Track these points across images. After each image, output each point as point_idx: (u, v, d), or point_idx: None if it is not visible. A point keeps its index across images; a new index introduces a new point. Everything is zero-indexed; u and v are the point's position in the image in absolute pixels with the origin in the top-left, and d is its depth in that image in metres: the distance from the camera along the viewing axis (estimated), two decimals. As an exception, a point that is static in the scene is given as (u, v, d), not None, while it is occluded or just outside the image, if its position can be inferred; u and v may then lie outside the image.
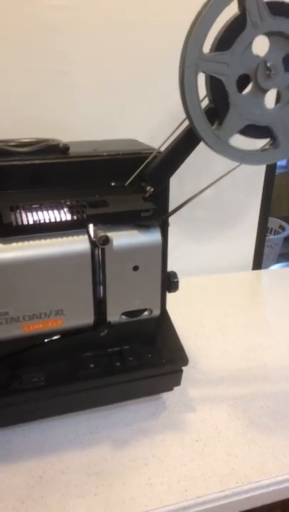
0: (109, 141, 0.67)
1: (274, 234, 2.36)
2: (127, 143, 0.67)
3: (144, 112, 0.87)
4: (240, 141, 0.52)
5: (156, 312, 0.60)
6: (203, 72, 0.48)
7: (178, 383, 0.64)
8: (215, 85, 0.49)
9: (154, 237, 0.55)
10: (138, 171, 0.59)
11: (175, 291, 0.68)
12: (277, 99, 0.53)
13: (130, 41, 0.82)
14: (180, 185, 0.92)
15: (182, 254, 1.05)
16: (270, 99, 0.52)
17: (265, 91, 0.50)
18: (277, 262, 2.25)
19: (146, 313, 0.59)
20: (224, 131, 0.50)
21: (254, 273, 1.13)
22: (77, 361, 0.59)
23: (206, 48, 0.47)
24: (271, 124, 0.51)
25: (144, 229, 0.55)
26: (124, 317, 0.58)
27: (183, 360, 0.62)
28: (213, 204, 1.04)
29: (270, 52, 0.49)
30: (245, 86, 0.51)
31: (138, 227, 0.55)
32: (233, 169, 0.56)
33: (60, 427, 0.59)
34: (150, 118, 0.86)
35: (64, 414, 0.61)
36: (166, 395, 0.66)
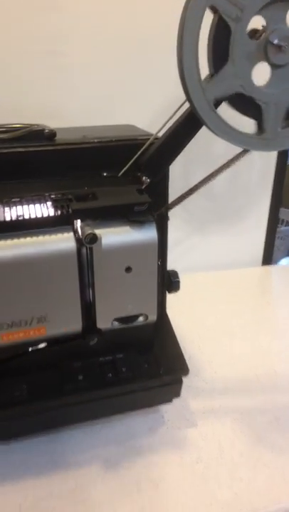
0: (103, 126, 0.61)
1: (285, 225, 2.28)
2: (122, 129, 0.60)
3: (145, 96, 0.80)
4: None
5: (153, 318, 0.53)
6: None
7: (177, 395, 0.58)
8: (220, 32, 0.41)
9: (149, 234, 0.49)
10: (133, 159, 0.53)
11: (176, 291, 0.62)
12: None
13: (130, 18, 0.75)
14: (185, 175, 0.86)
15: (186, 249, 0.99)
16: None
17: (268, 59, 0.43)
18: (289, 254, 2.17)
19: (141, 318, 0.53)
20: (212, 86, 0.42)
21: (264, 269, 1.06)
22: (64, 372, 0.53)
23: None
24: (262, 103, 0.44)
25: (138, 225, 0.48)
26: (116, 323, 0.52)
27: (183, 370, 0.56)
28: (220, 194, 0.97)
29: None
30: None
31: (131, 223, 0.48)
32: (239, 156, 0.50)
33: (44, 445, 0.54)
34: (152, 102, 0.79)
35: (49, 431, 0.55)
36: (165, 407, 0.60)
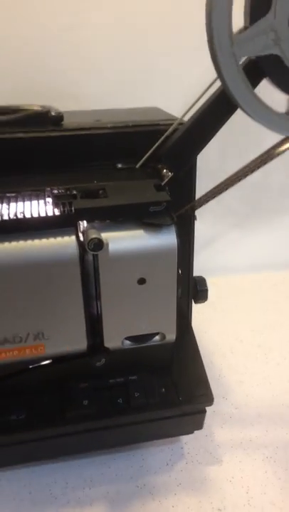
0: (121, 110, 0.53)
1: None
2: (143, 112, 0.52)
3: (178, 75, 0.70)
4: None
5: (171, 337, 0.45)
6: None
7: (200, 426, 0.49)
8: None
9: (166, 239, 0.40)
10: (153, 148, 0.44)
11: (203, 301, 0.54)
12: None
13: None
14: (218, 165, 0.76)
15: (220, 248, 0.89)
16: None
17: None
18: None
19: (157, 338, 0.45)
20: (243, 41, 0.32)
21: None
22: (68, 395, 0.46)
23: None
24: None
25: (154, 229, 0.40)
26: (127, 343, 0.44)
27: (206, 398, 0.48)
28: (261, 185, 0.86)
29: None
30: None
31: (145, 226, 0.40)
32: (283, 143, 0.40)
33: (45, 477, 0.47)
34: (185, 82, 0.69)
35: (50, 461, 0.48)
36: (186, 437, 0.52)
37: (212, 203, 0.46)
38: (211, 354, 0.65)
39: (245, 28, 0.33)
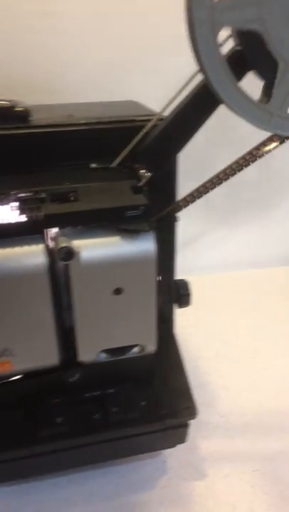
0: (95, 103, 0.49)
1: None
2: (120, 107, 0.49)
3: (158, 67, 0.66)
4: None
5: (151, 348, 0.42)
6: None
7: (182, 440, 0.47)
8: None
9: (144, 246, 0.37)
10: (130, 146, 0.41)
11: (186, 306, 0.51)
12: None
13: None
14: (203, 164, 0.72)
15: (206, 245, 0.86)
16: None
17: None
18: None
19: (135, 349, 0.42)
20: (223, 9, 0.29)
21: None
22: (40, 412, 0.43)
23: None
24: (283, 60, 0.31)
25: (131, 235, 0.37)
26: (103, 356, 0.41)
27: (190, 411, 0.45)
28: (244, 179, 0.82)
29: None
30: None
31: (121, 233, 0.37)
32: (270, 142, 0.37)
33: (16, 499, 0.44)
34: (166, 74, 0.66)
35: (21, 481, 0.45)
36: (168, 450, 0.49)
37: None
38: (196, 359, 0.63)
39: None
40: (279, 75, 0.32)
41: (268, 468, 0.48)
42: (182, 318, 0.55)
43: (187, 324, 0.59)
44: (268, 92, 0.33)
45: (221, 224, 0.85)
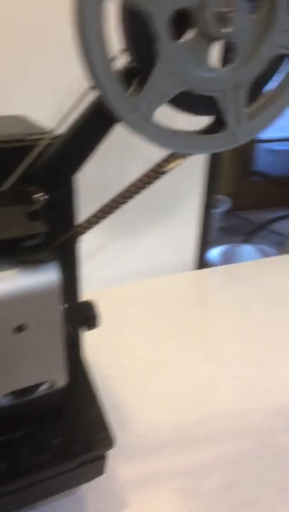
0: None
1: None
2: (7, 122, 0.45)
3: (49, 77, 0.63)
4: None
5: (61, 382, 0.39)
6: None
7: (100, 473, 0.44)
8: (134, 26, 0.28)
9: (46, 278, 0.34)
10: (21, 167, 0.38)
11: (95, 327, 0.49)
12: (227, 58, 0.33)
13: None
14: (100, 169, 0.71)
15: (108, 258, 0.84)
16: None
17: (212, 39, 0.30)
18: (220, 241, 2.08)
19: (44, 386, 0.39)
20: (146, 97, 0.29)
21: (198, 273, 0.95)
22: None
23: None
24: (217, 93, 0.31)
25: (30, 266, 0.34)
26: (8, 399, 0.37)
27: (106, 441, 0.43)
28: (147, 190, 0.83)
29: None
30: (183, 31, 0.30)
31: (20, 265, 0.33)
32: (171, 160, 0.36)
33: None
34: (59, 85, 0.63)
35: None
36: (86, 484, 0.47)
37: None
38: (104, 379, 0.60)
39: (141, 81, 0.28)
40: (222, 103, 0.31)
41: (188, 485, 0.47)
42: (87, 336, 0.52)
43: (92, 342, 0.56)
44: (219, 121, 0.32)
45: (122, 234, 0.84)
